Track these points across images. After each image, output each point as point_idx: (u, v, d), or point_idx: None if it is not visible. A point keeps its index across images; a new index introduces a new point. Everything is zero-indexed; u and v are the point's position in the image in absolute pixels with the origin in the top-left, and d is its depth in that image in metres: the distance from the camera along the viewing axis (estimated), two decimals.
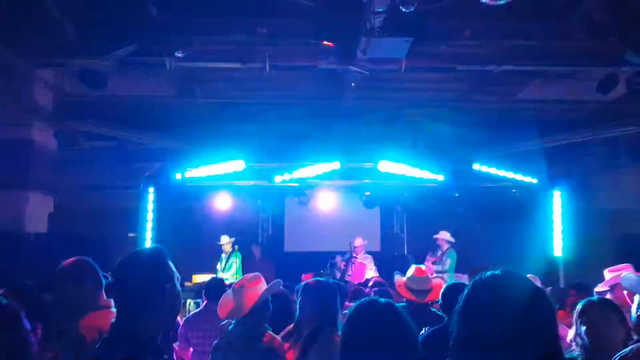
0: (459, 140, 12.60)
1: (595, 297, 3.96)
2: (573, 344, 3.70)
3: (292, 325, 4.70)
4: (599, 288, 5.37)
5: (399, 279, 5.91)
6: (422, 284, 5.57)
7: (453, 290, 5.20)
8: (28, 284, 5.71)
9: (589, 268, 11.34)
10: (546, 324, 1.95)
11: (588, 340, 3.55)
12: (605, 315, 3.55)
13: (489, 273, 2.06)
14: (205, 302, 6.92)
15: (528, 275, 5.38)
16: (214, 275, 12.56)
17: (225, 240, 12.92)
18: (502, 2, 6.06)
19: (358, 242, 12.93)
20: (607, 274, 5.30)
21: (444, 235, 12.91)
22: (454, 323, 2.05)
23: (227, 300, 4.60)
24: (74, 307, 3.87)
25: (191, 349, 6.42)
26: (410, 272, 5.76)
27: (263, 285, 4.55)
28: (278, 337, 4.45)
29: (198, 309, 7.24)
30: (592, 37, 8.31)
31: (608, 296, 5.02)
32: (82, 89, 9.88)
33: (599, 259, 12.06)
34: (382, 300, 2.67)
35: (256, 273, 4.65)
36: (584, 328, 3.58)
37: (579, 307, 3.72)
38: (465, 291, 2.04)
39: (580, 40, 8.39)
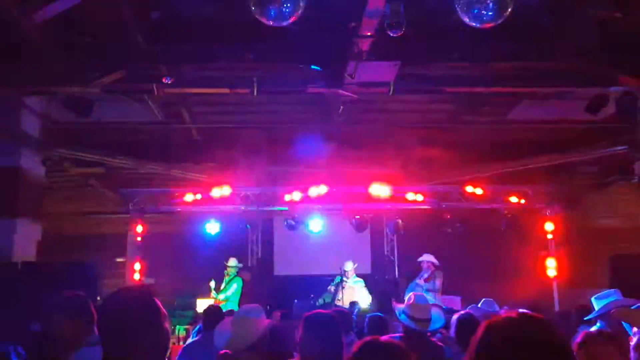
0: (449, 161, 12.58)
1: (595, 328, 3.88)
2: None
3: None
4: (588, 317, 5.29)
5: (398, 306, 5.80)
6: (423, 313, 5.46)
7: (466, 324, 5.17)
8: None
9: (582, 288, 11.29)
10: None
11: None
12: (604, 349, 3.48)
13: (505, 316, 1.96)
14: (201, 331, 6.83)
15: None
16: (210, 301, 12.47)
17: (233, 263, 12.82)
18: (490, 24, 6.03)
19: (348, 266, 12.85)
20: (596, 303, 5.19)
21: (429, 258, 12.86)
22: None
23: (224, 329, 4.48)
24: (69, 341, 3.83)
25: None
26: (411, 299, 5.65)
27: (264, 317, 4.44)
28: None
29: (195, 339, 7.12)
30: (581, 58, 8.30)
31: (598, 324, 4.94)
32: (68, 116, 9.80)
33: (592, 279, 12.05)
34: (383, 341, 2.58)
35: (256, 304, 4.56)
36: None
37: (578, 339, 3.64)
38: (480, 334, 1.94)
39: (569, 61, 8.39)
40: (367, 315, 7.47)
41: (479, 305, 7.89)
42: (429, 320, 5.45)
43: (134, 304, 2.60)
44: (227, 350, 4.42)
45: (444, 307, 11.42)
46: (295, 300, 12.04)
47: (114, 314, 2.57)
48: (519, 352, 1.83)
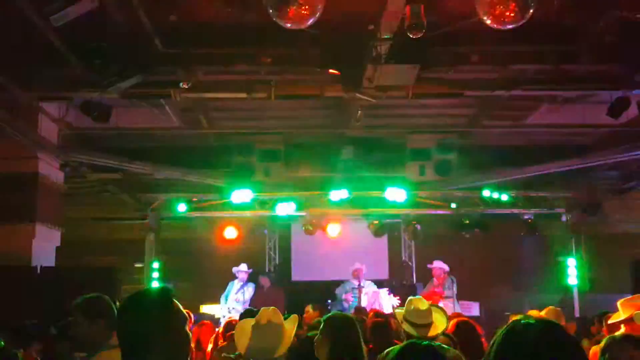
0: (468, 166, 12.48)
1: (619, 333, 3.79)
2: None
3: None
4: (612, 320, 5.20)
5: (398, 312, 5.67)
6: (423, 317, 5.34)
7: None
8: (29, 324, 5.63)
9: (603, 294, 11.16)
10: None
11: None
12: (630, 353, 3.39)
13: (522, 321, 1.90)
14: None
15: (550, 308, 5.18)
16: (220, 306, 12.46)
17: (244, 268, 12.82)
18: (510, 25, 5.95)
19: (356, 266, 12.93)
20: (621, 307, 5.10)
21: (439, 264, 12.79)
22: None
23: (244, 334, 4.37)
24: (87, 344, 3.81)
25: None
26: (410, 305, 5.51)
27: (286, 322, 4.35)
28: None
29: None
30: (602, 60, 8.20)
31: (623, 328, 4.85)
32: (86, 122, 9.82)
33: (613, 285, 11.91)
34: (424, 343, 2.52)
35: (275, 308, 4.45)
36: None
37: (602, 343, 3.56)
38: (497, 339, 1.89)
39: (591, 63, 8.28)
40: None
41: None
42: (429, 325, 5.33)
43: (154, 306, 2.54)
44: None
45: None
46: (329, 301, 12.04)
47: (133, 316, 2.51)
48: (535, 357, 1.81)
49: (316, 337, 4.29)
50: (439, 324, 5.34)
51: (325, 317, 4.45)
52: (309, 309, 10.23)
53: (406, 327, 5.29)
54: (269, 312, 4.32)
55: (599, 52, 8.09)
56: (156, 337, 2.45)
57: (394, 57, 7.32)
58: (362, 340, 4.31)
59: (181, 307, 2.58)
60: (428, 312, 5.36)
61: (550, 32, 7.81)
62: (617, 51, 8.03)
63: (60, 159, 11.12)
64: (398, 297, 12.30)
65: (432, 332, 5.24)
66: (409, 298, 5.66)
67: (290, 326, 4.28)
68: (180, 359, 2.62)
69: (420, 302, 5.44)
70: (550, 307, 5.30)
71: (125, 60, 7.91)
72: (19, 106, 9.37)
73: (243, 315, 6.91)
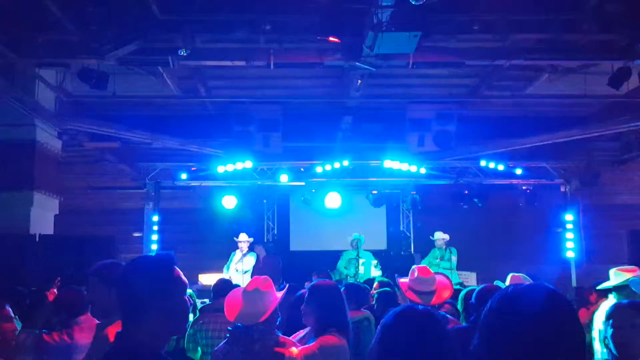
0: (467, 136, 12.45)
1: (625, 300, 3.79)
2: (598, 348, 3.55)
3: (302, 331, 4.54)
4: (603, 286, 5.20)
5: (402, 281, 5.65)
6: (427, 285, 5.32)
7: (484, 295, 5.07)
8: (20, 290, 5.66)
9: (601, 265, 11.18)
10: (576, 348, 1.80)
11: (614, 345, 3.40)
12: (634, 321, 3.39)
13: (520, 286, 1.89)
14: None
15: (515, 275, 5.15)
16: (221, 276, 12.46)
17: (243, 238, 12.76)
18: None
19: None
20: (613, 275, 5.10)
21: (441, 235, 12.81)
22: (477, 337, 1.89)
23: (234, 301, 4.40)
24: (104, 310, 3.77)
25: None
26: (414, 273, 5.50)
27: (274, 290, 4.38)
28: (295, 343, 4.29)
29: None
30: (604, 30, 8.13)
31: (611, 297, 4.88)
32: (84, 89, 9.76)
33: (611, 255, 11.94)
34: (421, 307, 2.52)
35: (266, 276, 4.48)
36: (610, 332, 3.42)
37: (607, 309, 3.55)
38: (492, 304, 1.88)
39: (593, 33, 8.20)
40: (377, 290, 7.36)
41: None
42: (432, 293, 5.32)
43: (154, 272, 2.53)
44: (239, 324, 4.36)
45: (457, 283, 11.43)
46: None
47: (133, 280, 2.50)
48: (529, 322, 1.79)
49: (302, 306, 4.34)
50: (443, 293, 5.33)
51: (309, 286, 4.50)
52: (315, 277, 10.28)
53: (410, 295, 5.27)
54: (259, 280, 4.36)
55: (601, 22, 8.01)
56: (154, 302, 2.44)
57: (394, 24, 7.23)
58: (346, 306, 4.38)
59: (182, 275, 2.56)
60: (432, 280, 5.35)
61: (552, 1, 7.74)
62: (618, 21, 7.95)
63: (57, 126, 11.07)
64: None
65: (435, 301, 5.23)
66: (413, 267, 5.63)
67: (280, 294, 4.31)
68: (177, 326, 2.62)
69: (423, 271, 5.43)
70: (516, 274, 5.30)
71: (122, 26, 7.83)
72: (15, 73, 9.29)
73: (216, 286, 6.91)
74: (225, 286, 6.44)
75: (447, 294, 5.33)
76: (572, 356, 1.79)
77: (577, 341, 1.81)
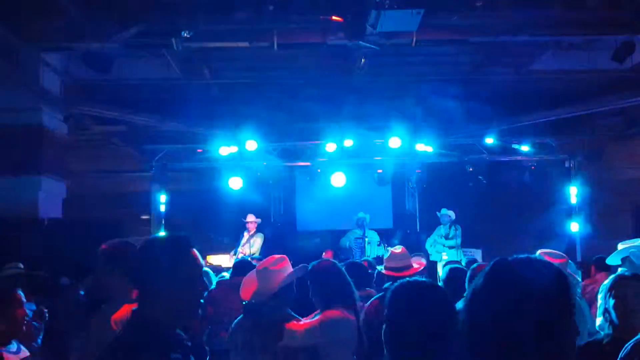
0: (472, 114, 12.43)
1: (627, 271, 3.83)
2: (599, 319, 3.59)
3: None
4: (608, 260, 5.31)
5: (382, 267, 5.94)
6: (400, 262, 5.54)
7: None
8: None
9: (605, 240, 11.21)
10: (565, 316, 1.84)
11: (616, 315, 3.44)
12: (636, 291, 3.43)
13: (509, 258, 1.93)
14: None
15: (557, 259, 5.22)
16: (229, 255, 12.54)
17: (251, 219, 12.80)
18: None
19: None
20: (620, 248, 5.18)
21: (447, 212, 12.89)
22: (465, 308, 1.93)
23: (250, 281, 4.52)
24: (107, 292, 3.78)
25: None
26: (388, 253, 5.77)
27: (289, 268, 4.46)
28: (302, 322, 4.38)
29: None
30: (608, 5, 8.11)
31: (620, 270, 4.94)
32: (88, 73, 9.78)
33: (616, 230, 11.97)
34: (427, 280, 2.62)
35: (282, 255, 4.56)
36: (612, 302, 3.47)
37: (609, 280, 3.59)
38: (485, 277, 1.92)
39: (596, 8, 8.19)
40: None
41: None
42: (407, 267, 5.54)
43: (170, 251, 2.54)
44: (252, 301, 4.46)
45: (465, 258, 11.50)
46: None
47: (147, 260, 2.52)
48: (521, 292, 1.82)
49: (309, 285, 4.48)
50: (414, 264, 5.63)
51: (310, 265, 4.59)
52: (329, 254, 10.44)
53: (389, 273, 5.50)
54: (270, 260, 4.46)
55: None
56: (170, 281, 2.46)
57: (397, 1, 7.24)
58: (350, 282, 4.53)
59: (200, 257, 2.57)
60: (404, 255, 5.58)
61: None
62: None
63: (63, 110, 11.10)
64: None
65: (407, 273, 5.43)
66: (388, 248, 6.03)
67: (287, 273, 4.41)
68: (193, 306, 2.65)
69: (397, 250, 5.67)
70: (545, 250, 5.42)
71: (125, 9, 7.85)
72: (19, 57, 9.31)
73: (236, 264, 7.13)
74: (244, 265, 6.61)
75: (417, 265, 5.67)
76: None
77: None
